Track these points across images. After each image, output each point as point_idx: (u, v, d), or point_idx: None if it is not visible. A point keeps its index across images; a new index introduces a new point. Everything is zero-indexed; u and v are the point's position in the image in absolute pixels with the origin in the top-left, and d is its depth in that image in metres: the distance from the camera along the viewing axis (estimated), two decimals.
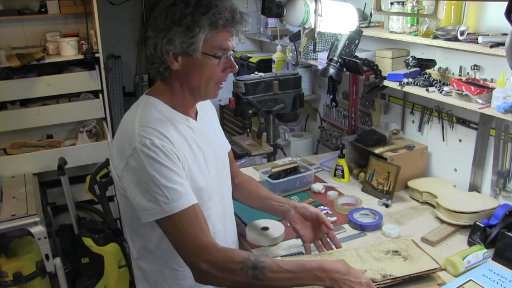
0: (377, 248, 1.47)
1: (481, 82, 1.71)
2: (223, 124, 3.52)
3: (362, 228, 1.70)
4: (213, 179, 1.35)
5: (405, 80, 1.91)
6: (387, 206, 1.88)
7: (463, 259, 1.42)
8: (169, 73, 1.24)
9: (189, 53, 1.18)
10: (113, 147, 1.25)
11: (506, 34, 1.16)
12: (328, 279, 1.14)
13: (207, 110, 1.46)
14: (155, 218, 1.15)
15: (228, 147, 1.56)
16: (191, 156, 1.26)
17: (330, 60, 2.14)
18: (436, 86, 1.83)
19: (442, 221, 1.71)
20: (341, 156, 2.13)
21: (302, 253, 1.54)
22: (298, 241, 1.62)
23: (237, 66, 1.27)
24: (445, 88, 1.77)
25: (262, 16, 3.04)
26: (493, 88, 1.62)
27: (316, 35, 2.13)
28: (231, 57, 1.26)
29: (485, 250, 1.47)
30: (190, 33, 1.16)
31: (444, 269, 1.43)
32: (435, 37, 1.80)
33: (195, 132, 1.30)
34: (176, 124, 1.25)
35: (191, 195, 1.17)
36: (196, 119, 1.35)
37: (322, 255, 1.45)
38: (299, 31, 2.50)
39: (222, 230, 1.39)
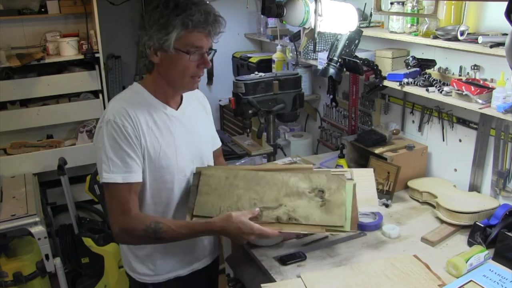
0: (309, 179, 1.49)
1: (481, 82, 1.71)
2: (223, 124, 3.52)
3: (362, 228, 1.70)
4: (182, 162, 1.50)
5: (405, 80, 1.91)
6: (387, 206, 1.88)
7: (466, 262, 1.41)
8: (152, 66, 1.44)
9: (165, 49, 1.36)
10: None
11: (506, 34, 1.16)
12: (217, 237, 1.54)
13: (198, 107, 1.64)
14: (101, 181, 1.40)
15: (215, 144, 1.75)
16: (156, 138, 1.44)
17: (330, 60, 2.14)
18: (436, 86, 1.83)
19: (442, 221, 1.71)
20: (341, 156, 2.13)
21: (303, 253, 1.54)
22: (298, 241, 1.63)
23: (210, 63, 1.44)
24: (445, 88, 1.77)
25: (262, 16, 3.04)
26: (493, 88, 1.62)
27: (316, 35, 2.13)
28: (205, 55, 1.41)
29: (487, 251, 1.47)
30: (165, 31, 1.34)
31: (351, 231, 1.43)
32: (435, 37, 1.80)
33: (170, 119, 1.49)
34: (151, 109, 1.45)
35: (132, 174, 1.39)
36: (177, 110, 1.52)
37: (258, 172, 1.51)
38: (299, 31, 2.50)
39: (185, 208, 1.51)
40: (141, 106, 1.43)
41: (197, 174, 1.52)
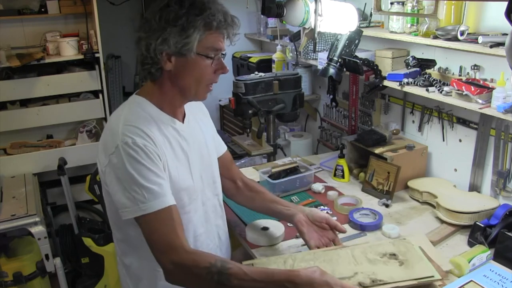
0: (374, 250, 1.44)
1: (481, 82, 1.71)
2: (223, 124, 3.52)
3: (362, 228, 1.70)
4: (196, 182, 1.36)
5: (405, 80, 1.91)
6: (387, 206, 1.88)
7: (469, 262, 1.41)
8: (160, 74, 1.25)
9: (183, 53, 1.20)
10: (99, 144, 1.27)
11: (506, 34, 1.16)
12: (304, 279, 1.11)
13: (197, 113, 1.47)
14: (132, 216, 1.17)
15: (221, 151, 1.58)
16: (173, 157, 1.27)
17: (330, 60, 2.14)
18: (436, 86, 1.83)
19: (442, 221, 1.71)
20: (341, 156, 2.13)
21: None
22: (298, 241, 1.63)
23: (228, 68, 1.30)
24: (445, 88, 1.77)
25: (262, 16, 3.04)
26: (493, 88, 1.62)
27: (316, 35, 2.13)
28: (222, 59, 1.28)
29: (489, 252, 1.47)
30: (184, 34, 1.18)
31: (443, 279, 1.34)
32: (435, 37, 1.80)
33: (180, 135, 1.32)
34: (161, 125, 1.27)
35: (168, 196, 1.19)
36: (183, 122, 1.36)
37: (315, 252, 1.44)
38: (299, 31, 2.50)
39: (204, 233, 1.39)
40: (151, 123, 1.25)
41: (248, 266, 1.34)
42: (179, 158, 1.30)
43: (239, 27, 1.27)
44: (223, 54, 1.29)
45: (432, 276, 1.32)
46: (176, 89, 1.28)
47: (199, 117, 1.47)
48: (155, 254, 1.18)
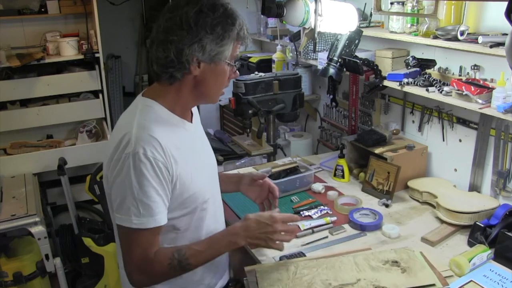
0: (376, 257, 1.44)
1: (481, 82, 1.71)
2: (223, 124, 3.52)
3: (362, 228, 1.70)
4: (207, 182, 1.37)
5: (405, 80, 1.91)
6: (387, 206, 1.88)
7: (470, 261, 1.41)
8: (182, 77, 1.23)
9: (215, 61, 1.22)
10: (109, 145, 1.26)
11: (506, 34, 1.16)
12: (242, 239, 1.28)
13: (197, 115, 1.48)
14: (123, 224, 1.20)
15: None
16: (185, 162, 1.26)
17: (330, 60, 2.14)
18: (436, 86, 1.83)
19: (442, 221, 1.71)
20: (341, 156, 2.13)
21: (302, 253, 1.54)
22: (298, 241, 1.63)
23: (238, 73, 1.34)
24: (445, 88, 1.77)
25: (262, 16, 3.04)
26: (493, 88, 1.62)
27: (316, 35, 2.14)
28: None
29: (489, 251, 1.47)
30: (220, 42, 1.20)
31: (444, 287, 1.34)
32: (435, 37, 1.80)
33: (191, 136, 1.33)
34: (174, 128, 1.27)
35: (160, 215, 1.21)
36: (191, 121, 1.37)
37: (318, 259, 1.45)
38: (299, 31, 2.50)
39: (214, 231, 1.40)
40: (165, 127, 1.24)
41: (251, 272, 1.40)
42: (191, 161, 1.29)
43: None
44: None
45: (434, 285, 1.32)
46: (195, 93, 1.28)
47: (196, 114, 1.48)
48: (126, 262, 1.24)
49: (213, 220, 1.41)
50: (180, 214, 1.28)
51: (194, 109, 1.44)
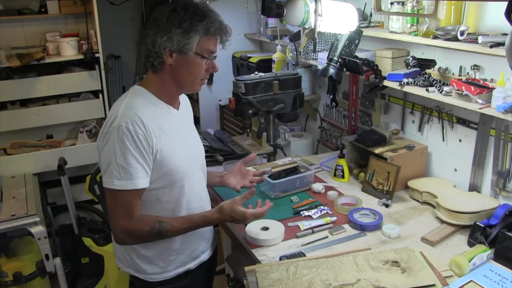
0: (376, 257, 1.45)
1: (481, 82, 1.71)
2: (223, 124, 3.52)
3: (362, 228, 1.70)
4: (188, 161, 1.56)
5: (405, 80, 1.91)
6: (387, 206, 1.88)
7: (470, 261, 1.41)
8: (161, 67, 1.46)
9: (183, 51, 1.42)
10: (103, 125, 1.48)
11: (506, 34, 1.16)
12: (215, 221, 1.57)
13: (185, 104, 1.69)
14: (107, 186, 1.40)
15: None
16: (166, 139, 1.46)
17: (330, 60, 2.14)
18: (436, 86, 1.83)
19: (442, 221, 1.71)
20: (341, 156, 2.13)
21: (302, 253, 1.54)
22: (298, 241, 1.63)
23: (218, 67, 1.53)
24: (445, 88, 1.77)
25: (262, 16, 3.04)
26: (493, 88, 1.62)
27: (316, 35, 2.13)
28: (214, 60, 1.51)
29: (489, 251, 1.47)
30: (187, 35, 1.40)
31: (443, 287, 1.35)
32: (435, 37, 1.80)
33: (175, 120, 1.54)
34: (158, 111, 1.48)
35: (140, 180, 1.41)
36: (178, 109, 1.58)
37: (318, 259, 1.45)
38: (299, 31, 2.50)
39: (198, 208, 1.62)
40: (149, 109, 1.46)
41: (251, 272, 1.43)
42: (172, 140, 1.49)
43: (230, 34, 1.50)
44: (215, 56, 1.51)
45: (434, 285, 1.32)
46: (174, 82, 1.49)
47: (189, 109, 1.73)
48: (112, 222, 1.45)
49: (196, 197, 1.62)
50: (161, 185, 1.49)
51: (186, 102, 1.69)
